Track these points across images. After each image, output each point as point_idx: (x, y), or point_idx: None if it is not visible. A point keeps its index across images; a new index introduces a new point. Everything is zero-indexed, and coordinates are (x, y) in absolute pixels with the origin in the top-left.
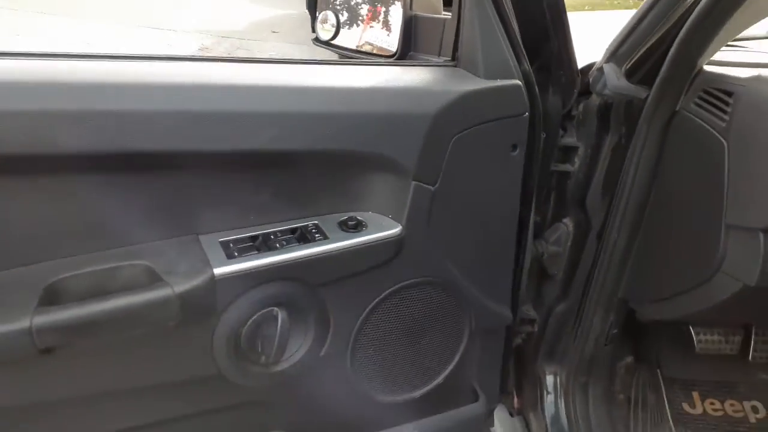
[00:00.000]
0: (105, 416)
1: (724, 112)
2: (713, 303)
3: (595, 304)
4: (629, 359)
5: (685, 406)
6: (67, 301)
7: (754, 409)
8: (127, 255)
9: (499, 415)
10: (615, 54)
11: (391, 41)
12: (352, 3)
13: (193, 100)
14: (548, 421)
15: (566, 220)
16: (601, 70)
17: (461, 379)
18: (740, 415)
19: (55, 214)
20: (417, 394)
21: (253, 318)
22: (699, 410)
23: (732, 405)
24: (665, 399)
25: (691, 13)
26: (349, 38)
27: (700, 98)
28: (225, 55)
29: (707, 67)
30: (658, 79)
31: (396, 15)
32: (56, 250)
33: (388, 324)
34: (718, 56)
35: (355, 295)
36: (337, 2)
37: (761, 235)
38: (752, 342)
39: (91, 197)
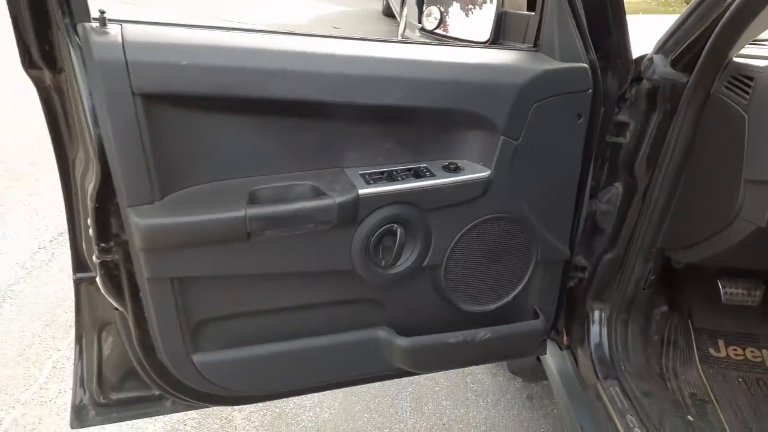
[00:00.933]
0: (272, 292)
1: (746, 92)
2: (733, 243)
3: (637, 253)
4: (664, 308)
5: (711, 351)
6: (264, 203)
7: None
8: (300, 177)
9: (551, 349)
10: (663, 47)
11: (484, 31)
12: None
13: (349, 66)
14: (593, 350)
15: (617, 184)
16: (651, 59)
17: (526, 300)
18: (758, 360)
19: (256, 144)
20: (491, 306)
21: (380, 229)
22: (723, 354)
23: (752, 352)
24: (694, 343)
25: (723, 16)
26: (449, 28)
27: (729, 83)
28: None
29: (736, 59)
30: (696, 68)
31: (489, 10)
32: (257, 169)
33: (474, 247)
34: (745, 51)
35: (452, 221)
36: None
37: None
38: None
39: (279, 134)
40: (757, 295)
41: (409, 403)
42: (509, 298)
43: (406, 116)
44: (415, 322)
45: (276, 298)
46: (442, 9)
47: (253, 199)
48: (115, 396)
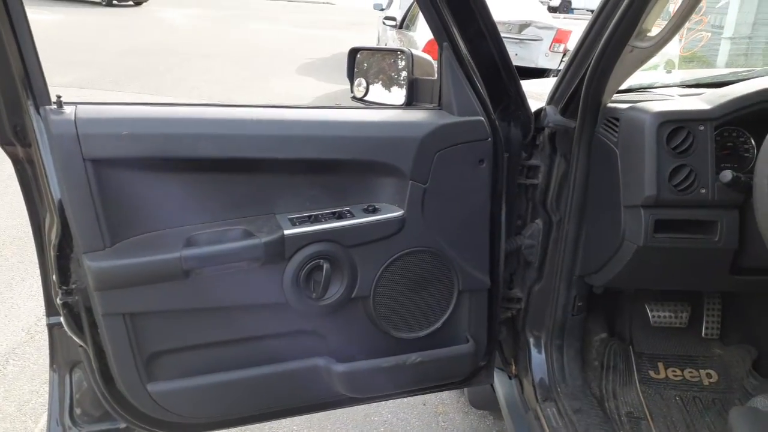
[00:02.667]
0: (216, 326)
1: (615, 131)
2: (625, 263)
3: (560, 281)
4: (603, 335)
5: (651, 373)
6: (200, 245)
7: (708, 375)
8: (235, 224)
9: (500, 378)
10: (553, 98)
11: (400, 96)
12: (376, 72)
13: (273, 128)
14: (534, 375)
15: (537, 221)
16: (545, 109)
17: (455, 327)
18: (696, 379)
19: (195, 196)
20: (422, 333)
21: (308, 265)
22: (662, 376)
23: (690, 372)
24: (634, 366)
25: (588, 70)
26: (374, 95)
27: (605, 124)
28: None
29: (610, 104)
30: (579, 114)
31: (404, 78)
32: (197, 218)
33: (397, 279)
34: (623, 98)
35: (374, 255)
36: (366, 72)
37: (641, 209)
38: (704, 320)
39: (215, 187)
40: (683, 316)
41: None
42: (438, 324)
43: (328, 167)
44: (353, 350)
45: (221, 331)
46: (368, 80)
47: (190, 243)
48: (86, 429)
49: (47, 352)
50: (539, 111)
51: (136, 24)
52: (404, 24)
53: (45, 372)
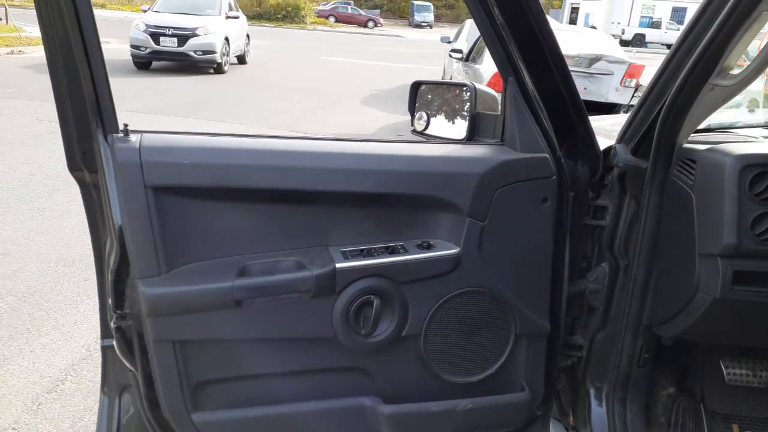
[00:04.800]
0: (264, 357)
1: (692, 174)
2: (698, 315)
3: (625, 329)
4: (671, 389)
5: None
6: (252, 275)
7: None
8: (286, 254)
9: (556, 429)
10: (624, 136)
11: (462, 130)
12: (438, 105)
13: (331, 161)
14: (593, 429)
15: (603, 264)
16: (615, 148)
17: (510, 373)
18: None
19: (250, 226)
20: (474, 378)
21: (358, 300)
22: None
23: None
24: (705, 427)
25: (663, 108)
26: (435, 129)
27: (680, 166)
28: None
29: (686, 145)
30: (651, 154)
31: (466, 112)
32: (250, 248)
33: (450, 319)
34: (701, 138)
35: (426, 294)
36: (428, 106)
37: (719, 259)
38: None
39: (270, 218)
40: (763, 376)
41: None
42: (492, 370)
43: (383, 201)
44: (401, 391)
45: (268, 363)
46: (430, 113)
47: (243, 272)
48: None
49: None
50: (609, 149)
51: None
52: (470, 57)
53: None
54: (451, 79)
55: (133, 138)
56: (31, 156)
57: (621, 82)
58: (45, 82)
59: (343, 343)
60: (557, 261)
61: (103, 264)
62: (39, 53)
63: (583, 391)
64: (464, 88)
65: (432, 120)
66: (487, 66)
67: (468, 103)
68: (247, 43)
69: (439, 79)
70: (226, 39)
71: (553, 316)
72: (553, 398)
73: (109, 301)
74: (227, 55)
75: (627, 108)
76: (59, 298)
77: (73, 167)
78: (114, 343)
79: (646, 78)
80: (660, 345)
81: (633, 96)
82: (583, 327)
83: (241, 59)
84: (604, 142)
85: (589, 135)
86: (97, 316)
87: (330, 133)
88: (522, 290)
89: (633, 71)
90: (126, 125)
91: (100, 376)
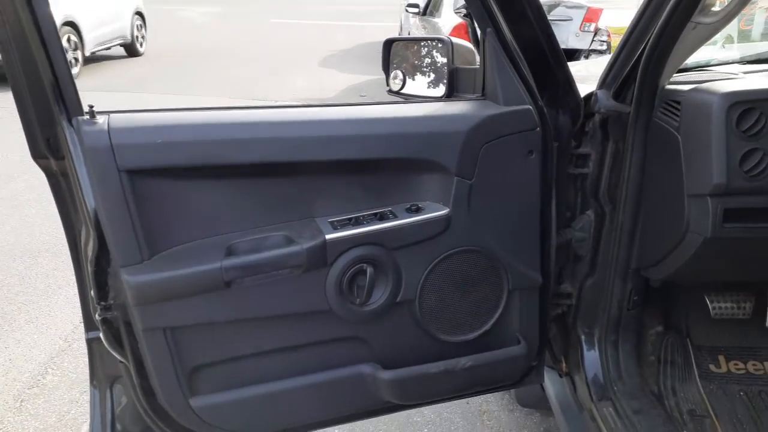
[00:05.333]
0: (259, 336)
1: (676, 115)
2: (689, 256)
3: (614, 274)
4: (659, 328)
5: (711, 367)
6: (240, 254)
7: None
8: (274, 230)
9: (551, 377)
10: (605, 82)
11: (441, 87)
12: (413, 63)
13: (308, 130)
14: (587, 373)
15: (588, 212)
16: (596, 94)
17: (506, 328)
18: (760, 372)
19: (232, 203)
20: (471, 336)
21: (351, 270)
22: (723, 369)
23: (754, 365)
24: (693, 360)
25: (645, 50)
26: (412, 88)
27: (664, 108)
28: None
29: (668, 86)
30: (633, 98)
31: (444, 68)
32: (234, 226)
33: (444, 280)
34: (681, 78)
35: (419, 257)
36: (403, 63)
37: (708, 198)
38: None
39: (252, 193)
40: (746, 307)
41: None
42: (488, 326)
43: (368, 167)
44: (399, 356)
45: (263, 341)
46: (405, 72)
47: (230, 252)
48: None
49: (85, 360)
50: (589, 96)
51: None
52: (427, 10)
53: (83, 381)
54: (409, 35)
55: (100, 120)
56: None
57: (580, 27)
58: None
59: (339, 314)
60: (545, 213)
61: (79, 254)
62: None
63: (574, 338)
64: (440, 43)
65: (408, 79)
66: (446, 19)
67: (445, 59)
68: (142, 25)
69: (404, 35)
70: (71, 24)
71: (544, 268)
72: (546, 348)
73: (91, 293)
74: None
75: (587, 53)
76: (29, 290)
77: (37, 155)
78: (101, 335)
79: (605, 21)
80: (648, 287)
81: (593, 40)
82: (571, 275)
83: (130, 48)
84: (582, 89)
85: (569, 83)
86: (71, 306)
87: (291, 99)
88: (512, 245)
89: (592, 15)
90: (91, 107)
91: (81, 367)
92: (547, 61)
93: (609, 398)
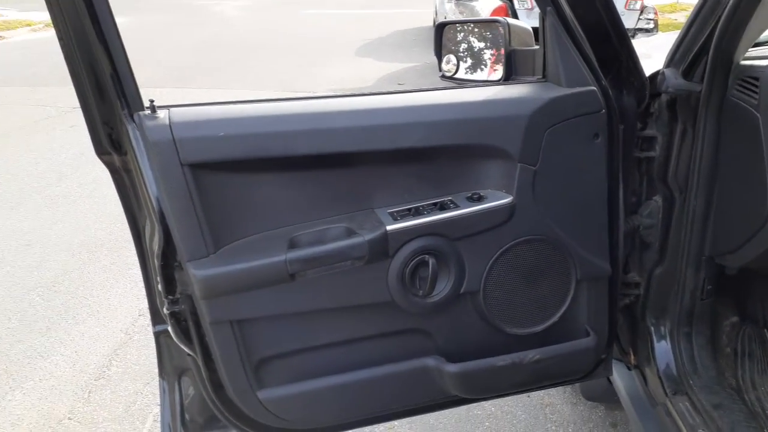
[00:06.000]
0: (322, 328)
1: (755, 92)
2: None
3: (686, 263)
4: (734, 318)
5: None
6: (303, 246)
7: None
8: (335, 221)
9: (619, 369)
10: (672, 59)
11: (497, 70)
12: (467, 46)
13: (365, 119)
14: (659, 366)
15: (656, 198)
16: (663, 73)
17: (574, 319)
18: None
19: (294, 196)
20: (538, 328)
21: (413, 261)
22: None
23: None
24: None
25: (720, 20)
26: (466, 72)
27: (739, 85)
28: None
29: (743, 62)
30: (705, 75)
31: (500, 50)
32: (296, 218)
33: (509, 271)
34: (754, 53)
35: (482, 247)
36: (456, 47)
37: None
38: None
39: (313, 185)
40: None
41: None
42: (555, 318)
43: (426, 155)
44: (464, 349)
45: (327, 334)
46: (458, 56)
47: (293, 244)
48: None
49: (146, 352)
50: (654, 75)
51: (193, 21)
52: None
53: (146, 372)
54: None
55: (161, 114)
56: (31, 143)
57: (626, 5)
58: (33, 66)
59: (401, 305)
60: (612, 199)
61: (144, 249)
62: (21, 37)
63: (643, 329)
64: (496, 25)
65: (461, 63)
66: (484, 2)
67: (501, 41)
68: None
69: (464, 18)
70: None
71: (612, 257)
72: (615, 340)
73: (158, 287)
74: None
75: (633, 32)
76: (88, 284)
77: (101, 151)
78: (169, 328)
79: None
80: (722, 275)
81: (639, 19)
82: (638, 264)
83: None
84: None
85: (633, 62)
86: (130, 299)
87: (334, 89)
88: (579, 233)
89: None
90: (152, 101)
91: (143, 358)
92: (609, 38)
93: (684, 392)
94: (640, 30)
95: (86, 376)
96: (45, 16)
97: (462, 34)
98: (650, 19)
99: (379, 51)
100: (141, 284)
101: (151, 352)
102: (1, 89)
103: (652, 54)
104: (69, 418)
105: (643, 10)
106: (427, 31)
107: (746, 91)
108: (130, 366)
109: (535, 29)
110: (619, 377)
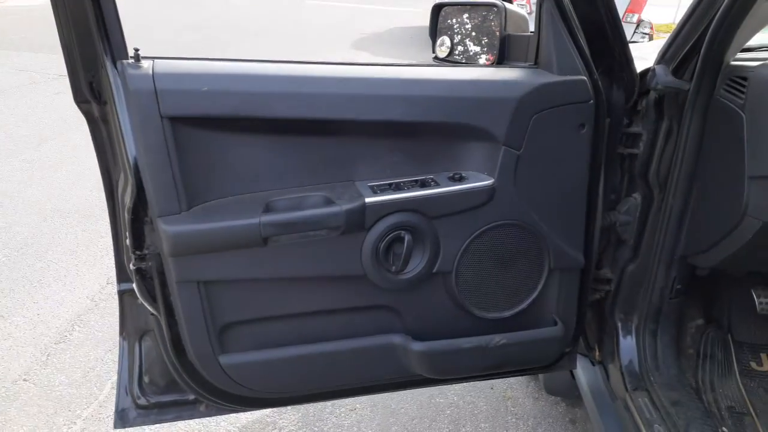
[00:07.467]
0: (291, 297)
1: (742, 92)
2: (744, 242)
3: (659, 261)
4: (700, 321)
5: (753, 364)
6: (279, 211)
7: None
8: (314, 190)
9: (583, 365)
10: (664, 57)
11: (490, 54)
12: (462, 29)
13: (353, 87)
14: (622, 361)
15: (635, 195)
16: (653, 70)
17: (543, 308)
18: None
19: (274, 160)
20: (507, 314)
21: (388, 236)
22: (765, 368)
23: None
24: (734, 356)
25: (713, 21)
26: (459, 55)
27: (727, 85)
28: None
29: (733, 62)
30: (695, 74)
31: (494, 34)
32: (274, 183)
33: (483, 254)
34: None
35: (459, 228)
36: (451, 29)
37: None
38: None
39: (294, 150)
40: None
41: (447, 425)
42: (524, 305)
43: (411, 131)
44: (431, 329)
45: (296, 303)
46: (453, 38)
47: (268, 209)
48: (154, 399)
49: (111, 320)
50: (645, 72)
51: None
52: None
53: (109, 339)
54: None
55: (146, 64)
56: (13, 107)
57: (622, 18)
58: (19, 32)
59: (373, 280)
60: (592, 191)
61: (116, 203)
62: (13, 2)
63: (610, 325)
64: (492, 8)
65: (455, 46)
66: None
67: (496, 25)
68: None
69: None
70: None
71: (587, 249)
72: (581, 334)
73: (127, 242)
74: None
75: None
76: (58, 249)
77: (80, 99)
78: (134, 286)
79: (648, 14)
80: (692, 276)
81: (635, 32)
82: (611, 260)
83: None
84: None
85: (625, 57)
86: (99, 266)
87: None
88: (556, 222)
89: (635, 6)
90: (137, 50)
91: (107, 326)
92: (604, 31)
93: (645, 388)
94: (635, 43)
95: (46, 339)
96: None
97: (458, 15)
98: (646, 34)
99: (375, 47)
100: (111, 253)
101: (116, 320)
102: None
103: (648, 57)
104: (24, 380)
105: (639, 23)
106: (427, 31)
107: (733, 91)
108: (93, 332)
109: None
110: (583, 372)
